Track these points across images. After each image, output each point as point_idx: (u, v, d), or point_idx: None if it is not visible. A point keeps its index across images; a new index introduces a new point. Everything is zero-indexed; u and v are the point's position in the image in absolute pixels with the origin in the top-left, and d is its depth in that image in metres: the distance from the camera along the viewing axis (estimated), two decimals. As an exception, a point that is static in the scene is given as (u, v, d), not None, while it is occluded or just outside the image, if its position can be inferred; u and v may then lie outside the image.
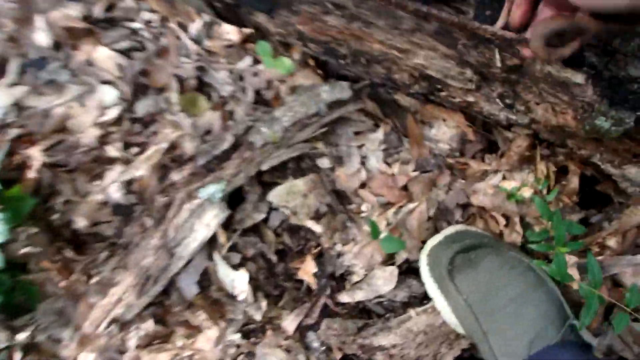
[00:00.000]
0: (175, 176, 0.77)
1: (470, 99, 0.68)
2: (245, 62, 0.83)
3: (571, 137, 0.71)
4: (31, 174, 0.82)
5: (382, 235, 0.76)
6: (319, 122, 0.75)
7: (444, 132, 0.85)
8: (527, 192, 0.79)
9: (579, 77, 0.58)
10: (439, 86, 0.68)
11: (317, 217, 0.83)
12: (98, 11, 0.84)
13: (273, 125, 0.74)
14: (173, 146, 0.83)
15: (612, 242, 0.81)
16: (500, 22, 0.58)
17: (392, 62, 0.68)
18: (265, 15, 0.67)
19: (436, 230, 0.83)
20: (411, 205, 0.80)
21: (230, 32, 0.81)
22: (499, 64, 0.60)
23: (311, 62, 0.81)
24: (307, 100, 0.74)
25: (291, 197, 0.80)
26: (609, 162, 0.72)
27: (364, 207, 0.84)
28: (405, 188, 0.83)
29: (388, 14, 0.62)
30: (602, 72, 0.57)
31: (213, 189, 0.73)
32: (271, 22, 0.68)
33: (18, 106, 0.83)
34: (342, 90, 0.73)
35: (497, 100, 0.67)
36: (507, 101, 0.66)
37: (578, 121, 0.63)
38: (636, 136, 0.66)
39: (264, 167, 0.75)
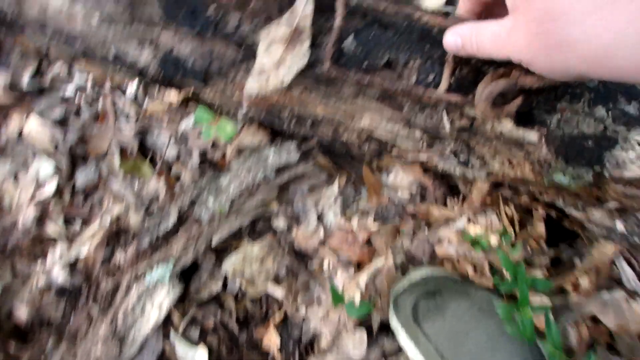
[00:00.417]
0: (121, 256, 0.72)
1: (423, 157, 0.65)
2: (188, 123, 0.78)
3: (532, 185, 0.68)
4: (-35, 261, 0.76)
5: (346, 301, 0.72)
6: (268, 186, 0.71)
7: (402, 178, 0.81)
8: (492, 238, 0.76)
9: (531, 136, 0.55)
10: (389, 146, 0.65)
11: (277, 280, 0.78)
12: (26, 79, 0.78)
13: (219, 196, 0.69)
14: (118, 219, 0.78)
15: (585, 282, 0.79)
16: (443, 86, 0.55)
17: (338, 124, 0.64)
18: (200, 83, 0.62)
19: (403, 275, 0.80)
20: (378, 263, 0.76)
21: (169, 94, 0.76)
22: (447, 127, 0.57)
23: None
24: (254, 166, 0.69)
25: (247, 264, 0.76)
26: (572, 205, 0.69)
27: (325, 265, 0.80)
28: (367, 242, 0.79)
29: (328, 82, 0.58)
30: (555, 130, 0.54)
31: (160, 272, 0.68)
32: (207, 90, 0.64)
33: (-55, 189, 0.77)
34: (290, 153, 0.69)
35: (451, 156, 0.63)
36: (462, 157, 0.63)
37: (536, 174, 0.61)
38: (597, 184, 0.64)
39: (214, 242, 0.71)
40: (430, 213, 0.80)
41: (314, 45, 0.56)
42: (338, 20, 0.54)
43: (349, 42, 0.55)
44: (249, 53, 0.58)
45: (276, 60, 0.52)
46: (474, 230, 0.78)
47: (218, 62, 0.59)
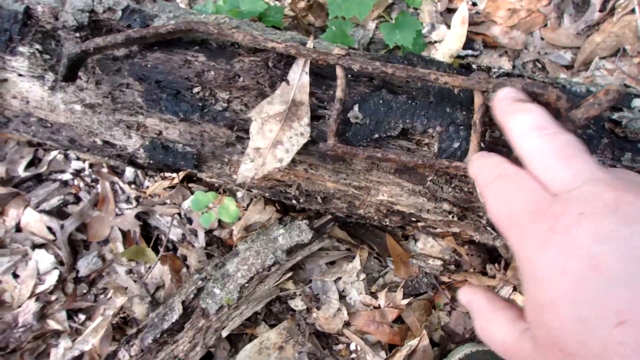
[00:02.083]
0: (124, 355, 0.65)
1: (455, 229, 0.56)
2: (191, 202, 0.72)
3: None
4: (-35, 368, 0.71)
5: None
6: (280, 270, 0.63)
7: (432, 245, 0.72)
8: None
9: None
10: (414, 219, 0.56)
11: (300, 369, 0.69)
12: (21, 169, 0.74)
13: (227, 285, 0.62)
14: (121, 310, 0.71)
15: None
16: (472, 154, 0.46)
17: (352, 198, 0.56)
18: (193, 168, 0.56)
19: (443, 356, 0.70)
20: (412, 343, 0.66)
21: (168, 175, 0.71)
22: (482, 200, 0.48)
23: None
24: (263, 249, 0.62)
25: (264, 354, 0.67)
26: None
27: (352, 347, 0.71)
28: (397, 320, 0.70)
29: (335, 158, 0.50)
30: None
31: (165, 376, 0.60)
32: (204, 173, 0.57)
33: (-57, 290, 0.73)
34: (301, 232, 0.61)
35: (488, 228, 0.54)
36: (499, 228, 0.53)
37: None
38: None
39: (225, 334, 0.63)
40: (469, 282, 0.70)
41: (315, 117, 0.49)
42: (339, 91, 0.47)
43: (355, 112, 0.48)
44: (242, 133, 0.51)
45: (272, 140, 0.45)
46: (521, 299, 0.68)
47: (211, 145, 0.53)
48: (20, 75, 0.55)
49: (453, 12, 0.80)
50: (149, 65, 0.51)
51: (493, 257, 0.72)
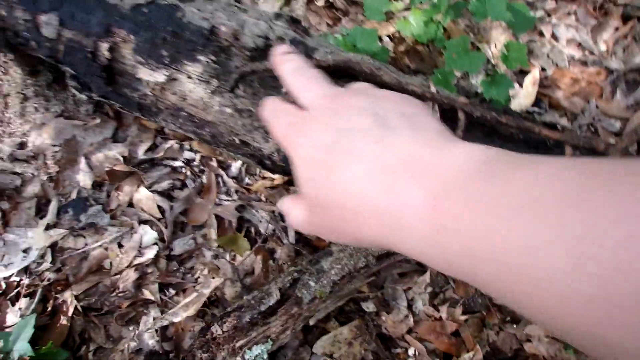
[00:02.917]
0: (217, 330, 0.74)
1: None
2: (288, 203, 0.82)
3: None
4: (63, 321, 0.79)
5: (436, 394, 0.71)
6: (367, 273, 0.73)
7: (491, 271, 0.82)
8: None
9: None
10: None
11: (362, 364, 0.79)
12: (141, 152, 0.85)
13: (321, 279, 0.71)
14: (213, 290, 0.80)
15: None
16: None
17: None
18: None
19: (485, 368, 0.79)
20: (466, 357, 0.76)
21: (272, 176, 0.81)
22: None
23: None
24: (355, 252, 0.72)
25: (336, 347, 0.76)
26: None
27: (410, 352, 0.80)
28: (454, 333, 0.79)
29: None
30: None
31: (259, 351, 0.69)
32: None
33: (55, 248, 0.82)
34: (392, 243, 0.71)
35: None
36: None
37: None
38: None
39: (312, 322, 0.72)
40: (519, 308, 0.80)
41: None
42: (459, 131, 0.58)
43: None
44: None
45: None
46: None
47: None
48: (189, 77, 0.66)
49: (525, 73, 0.93)
50: (307, 87, 0.62)
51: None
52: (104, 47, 0.65)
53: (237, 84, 0.63)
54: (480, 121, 0.61)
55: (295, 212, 0.38)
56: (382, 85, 0.62)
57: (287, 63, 0.44)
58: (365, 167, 0.31)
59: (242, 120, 0.67)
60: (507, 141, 0.60)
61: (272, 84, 0.64)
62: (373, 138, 0.32)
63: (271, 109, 0.41)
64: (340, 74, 0.62)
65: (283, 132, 0.38)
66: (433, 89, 0.62)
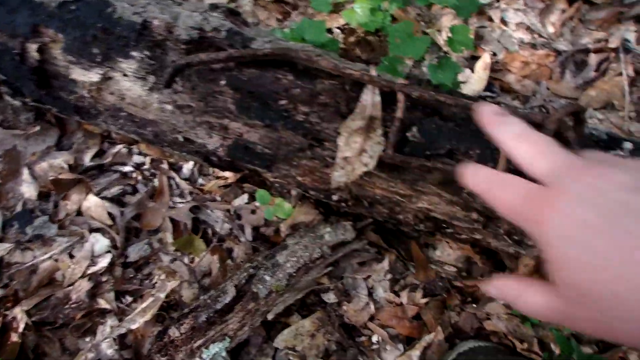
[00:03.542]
0: (174, 332, 0.72)
1: (477, 236, 0.67)
2: (242, 200, 0.81)
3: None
4: (14, 338, 0.76)
5: (399, 379, 0.71)
6: (323, 263, 0.73)
7: (449, 253, 0.83)
8: (542, 315, 0.76)
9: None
10: (445, 225, 0.67)
11: (326, 355, 0.78)
12: (87, 159, 0.82)
13: (277, 273, 0.70)
14: (171, 293, 0.79)
15: (633, 357, 0.78)
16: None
17: (395, 204, 0.67)
18: (265, 168, 0.65)
19: (450, 348, 0.80)
20: (428, 338, 0.76)
21: (224, 174, 0.80)
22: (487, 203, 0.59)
23: (311, 199, 0.79)
24: (310, 244, 0.71)
25: (298, 339, 0.76)
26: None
27: (374, 339, 0.80)
28: (415, 317, 0.80)
29: (390, 167, 0.61)
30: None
31: (217, 349, 0.68)
32: (269, 174, 0.67)
33: (1, 264, 0.79)
34: (346, 232, 0.71)
35: (505, 236, 0.65)
36: (515, 237, 0.65)
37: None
38: None
39: (270, 317, 0.71)
40: (477, 288, 0.81)
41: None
42: (399, 112, 0.58)
43: (414, 132, 0.59)
44: (313, 141, 0.62)
45: (357, 150, 0.56)
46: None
47: (285, 149, 0.63)
48: (124, 75, 0.64)
49: (476, 59, 0.94)
50: (244, 78, 0.61)
51: (499, 267, 0.83)
52: (32, 48, 0.63)
53: (173, 79, 0.62)
54: (420, 101, 0.61)
55: (532, 297, 0.34)
56: (320, 71, 0.62)
57: (506, 126, 0.39)
58: None
59: (183, 116, 0.66)
60: (448, 120, 0.60)
61: (210, 77, 0.63)
62: None
63: (485, 179, 0.37)
64: (279, 63, 0.62)
65: (519, 207, 0.33)
66: (373, 72, 0.62)
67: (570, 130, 0.52)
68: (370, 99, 0.58)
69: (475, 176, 0.38)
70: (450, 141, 0.59)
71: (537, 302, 0.34)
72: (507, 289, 0.37)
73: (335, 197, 0.67)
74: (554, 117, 0.51)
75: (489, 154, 0.59)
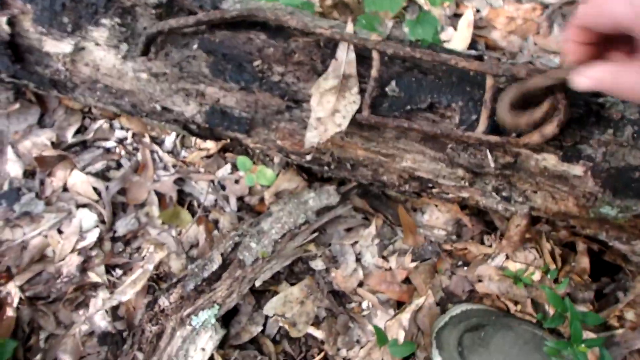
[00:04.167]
0: (164, 302, 0.72)
1: (465, 194, 0.66)
2: (225, 171, 0.81)
3: (574, 219, 0.68)
4: (9, 313, 0.77)
5: (389, 341, 0.71)
6: (308, 229, 0.72)
7: (437, 217, 0.82)
8: (534, 274, 0.76)
9: (577, 170, 0.56)
10: (430, 185, 0.66)
11: (317, 322, 0.78)
12: (69, 135, 0.82)
13: (262, 240, 0.70)
14: (158, 265, 0.79)
15: (630, 315, 0.77)
16: (481, 127, 0.56)
17: (378, 165, 0.66)
18: (244, 133, 0.65)
19: (442, 312, 0.79)
20: (419, 301, 0.76)
21: (206, 144, 0.79)
22: (492, 164, 0.58)
23: (294, 164, 0.79)
24: (294, 210, 0.71)
25: (288, 307, 0.76)
26: (617, 239, 0.69)
27: (364, 305, 0.80)
28: (405, 281, 0.79)
29: (370, 127, 0.60)
30: (601, 163, 0.55)
31: (206, 316, 0.68)
32: (249, 139, 0.66)
33: (-9, 242, 0.79)
34: (330, 196, 0.71)
35: (493, 193, 0.64)
36: (504, 194, 0.64)
37: (581, 208, 0.61)
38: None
39: (258, 284, 0.71)
40: (468, 250, 0.80)
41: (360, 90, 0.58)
42: (374, 71, 0.57)
43: (392, 87, 0.58)
44: (291, 102, 0.61)
45: (330, 110, 0.55)
46: (514, 266, 0.78)
47: (263, 112, 0.62)
48: (97, 44, 0.63)
49: (459, 16, 0.92)
50: (216, 41, 0.60)
51: (490, 229, 0.82)
52: (1, 20, 0.62)
53: (148, 48, 0.61)
54: (395, 58, 0.60)
55: (629, 75, 0.37)
56: (289, 29, 0.60)
57: None
58: None
59: (159, 84, 0.65)
60: (429, 73, 0.58)
61: (182, 42, 0.61)
62: None
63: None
64: (251, 24, 0.60)
65: None
66: (350, 27, 0.60)
67: None
68: (344, 56, 0.57)
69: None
70: (432, 94, 0.58)
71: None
72: (603, 74, 0.39)
73: (315, 159, 0.66)
74: (557, 74, 0.48)
75: (472, 106, 0.57)
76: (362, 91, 0.58)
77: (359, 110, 0.57)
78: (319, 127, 0.55)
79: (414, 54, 0.56)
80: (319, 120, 0.55)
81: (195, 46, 0.61)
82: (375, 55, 0.56)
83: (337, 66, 0.56)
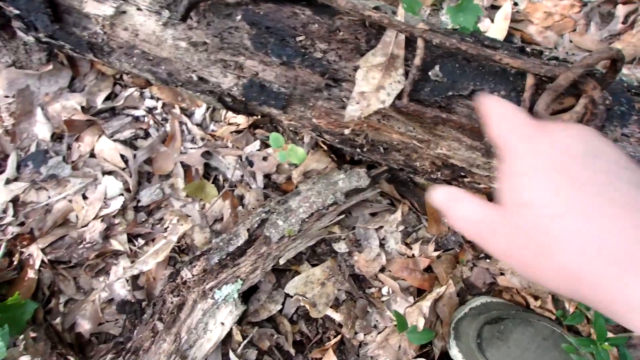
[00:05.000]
0: (187, 274, 0.73)
1: (496, 185, 0.65)
2: (254, 147, 0.80)
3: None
4: (31, 274, 0.78)
5: (409, 327, 0.71)
6: (336, 210, 0.72)
7: (464, 208, 0.81)
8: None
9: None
10: (463, 174, 0.65)
11: (336, 304, 0.78)
12: (99, 101, 0.81)
13: (289, 218, 0.70)
14: (181, 237, 0.79)
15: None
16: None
17: (412, 150, 0.65)
18: (279, 109, 0.64)
19: (461, 303, 0.79)
20: (439, 290, 0.76)
21: (236, 119, 0.78)
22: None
23: (323, 145, 0.78)
24: (324, 190, 0.70)
25: (309, 287, 0.76)
26: None
27: (384, 291, 0.80)
28: (427, 270, 0.79)
29: (410, 110, 0.59)
30: None
31: (229, 290, 0.68)
32: (284, 116, 0.65)
33: (17, 203, 0.79)
34: (360, 179, 0.70)
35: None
36: (535, 187, 0.63)
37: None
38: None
39: (282, 261, 0.71)
40: (492, 242, 0.80)
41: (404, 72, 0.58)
42: (418, 59, 0.56)
43: (436, 71, 0.57)
44: (331, 81, 0.60)
45: (375, 85, 0.54)
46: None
47: (301, 89, 0.61)
48: (138, 9, 0.62)
49: (496, 8, 0.90)
50: (261, 13, 0.59)
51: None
52: (44, -22, 0.61)
53: (188, 13, 0.60)
54: (439, 51, 0.58)
55: (468, 206, 0.35)
56: (337, 12, 0.59)
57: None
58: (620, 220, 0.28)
59: (197, 54, 0.64)
60: (472, 61, 0.58)
61: (225, 12, 0.61)
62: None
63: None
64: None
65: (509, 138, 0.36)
66: (401, 11, 0.60)
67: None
68: (393, 35, 0.56)
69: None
70: (474, 82, 0.57)
71: (472, 211, 0.35)
72: (448, 195, 0.38)
73: (349, 140, 0.66)
74: (584, 61, 0.48)
75: (514, 96, 0.56)
76: (406, 73, 0.58)
77: (399, 97, 0.57)
78: (362, 102, 0.55)
79: (460, 46, 0.55)
80: (362, 95, 0.55)
81: (238, 17, 0.60)
82: (420, 43, 0.56)
83: (386, 44, 0.56)
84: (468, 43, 0.54)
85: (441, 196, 0.38)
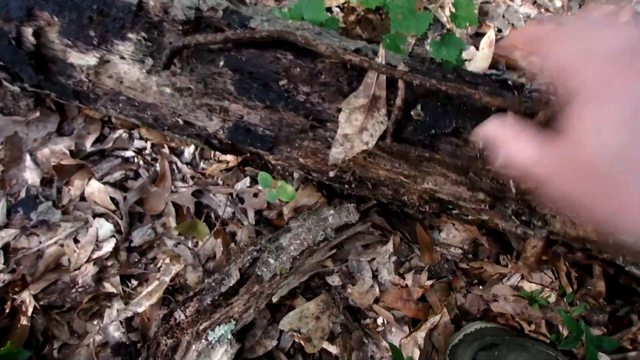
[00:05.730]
0: (180, 315, 0.72)
1: (484, 217, 0.66)
2: (244, 184, 0.81)
3: (592, 243, 0.68)
4: (24, 321, 0.77)
5: (404, 359, 0.71)
6: (327, 246, 0.72)
7: (454, 235, 0.82)
8: (552, 296, 0.76)
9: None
10: (451, 206, 0.66)
11: (331, 337, 0.78)
12: (88, 144, 0.82)
13: (280, 256, 0.70)
14: (174, 277, 0.79)
15: (643, 338, 0.77)
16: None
17: (399, 185, 0.66)
18: (266, 151, 0.64)
19: (456, 329, 0.79)
20: (434, 319, 0.76)
21: (225, 158, 0.79)
22: (513, 190, 0.58)
23: (314, 181, 0.79)
24: (314, 226, 0.71)
25: (303, 322, 0.76)
26: (633, 264, 0.69)
27: (379, 322, 0.80)
28: (421, 299, 0.79)
29: (393, 150, 0.60)
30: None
31: (222, 331, 0.68)
32: (271, 156, 0.66)
33: (7, 249, 0.79)
34: (349, 214, 0.71)
35: (513, 217, 0.64)
36: (523, 218, 0.64)
37: (600, 234, 0.61)
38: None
39: (275, 299, 0.71)
40: (484, 270, 0.80)
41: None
42: (399, 100, 0.57)
43: (418, 110, 0.58)
44: (315, 122, 0.61)
45: (358, 127, 0.55)
46: (529, 287, 0.78)
47: (287, 130, 0.62)
48: (122, 58, 0.63)
49: (481, 36, 0.92)
50: (243, 59, 0.60)
51: (506, 249, 0.82)
52: (28, 32, 0.62)
53: (171, 61, 0.61)
54: (421, 89, 0.59)
55: (524, 144, 0.30)
56: (318, 55, 0.60)
57: None
58: None
59: (182, 99, 0.65)
60: (453, 98, 0.58)
61: (208, 58, 0.61)
62: None
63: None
64: (278, 42, 0.60)
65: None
66: (382, 52, 0.60)
67: None
68: (375, 76, 0.57)
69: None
70: (457, 120, 0.58)
71: (528, 149, 0.30)
72: (502, 127, 0.32)
73: (337, 177, 0.66)
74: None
75: (495, 132, 0.57)
76: (388, 113, 0.58)
77: (382, 137, 0.58)
78: (345, 144, 0.55)
79: (440, 86, 0.55)
80: (345, 137, 0.56)
81: (221, 63, 0.61)
82: (401, 84, 0.57)
83: (368, 86, 0.56)
84: (448, 83, 0.55)
85: (493, 129, 0.32)
